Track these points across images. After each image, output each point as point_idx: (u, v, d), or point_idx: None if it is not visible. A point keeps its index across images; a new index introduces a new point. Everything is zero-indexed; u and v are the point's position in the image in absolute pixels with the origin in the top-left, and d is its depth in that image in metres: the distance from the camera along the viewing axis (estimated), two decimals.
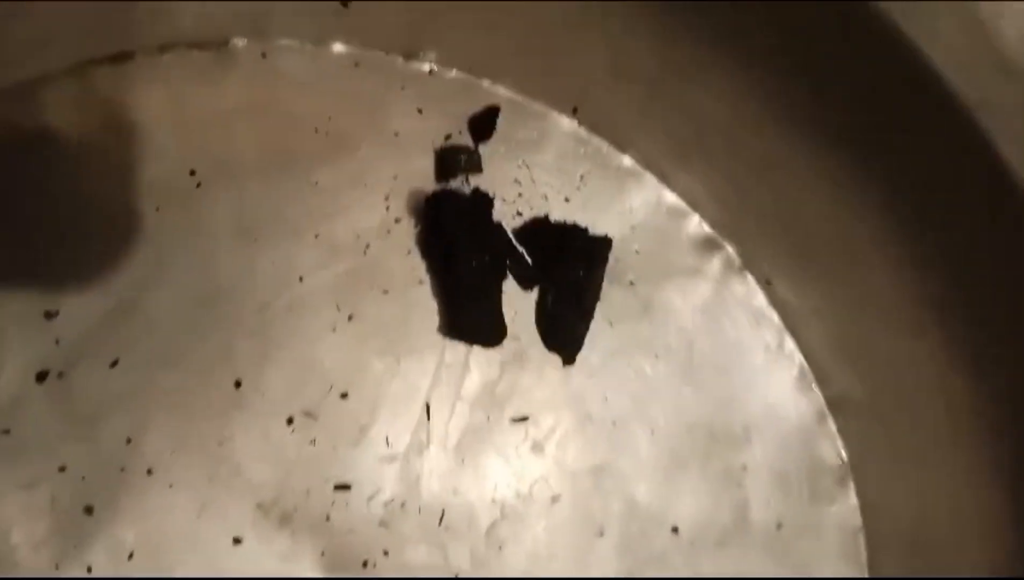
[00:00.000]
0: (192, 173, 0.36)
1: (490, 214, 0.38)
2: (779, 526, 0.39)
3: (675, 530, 0.38)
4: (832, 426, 0.41)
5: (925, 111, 0.34)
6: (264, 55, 0.37)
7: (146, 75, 0.36)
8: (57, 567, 0.32)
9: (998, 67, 0.33)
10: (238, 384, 0.35)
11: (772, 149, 0.39)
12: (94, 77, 0.36)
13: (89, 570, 0.32)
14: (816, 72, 0.37)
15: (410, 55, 0.39)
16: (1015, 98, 0.33)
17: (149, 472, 0.34)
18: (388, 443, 0.36)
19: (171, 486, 0.34)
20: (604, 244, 0.39)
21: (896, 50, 0.34)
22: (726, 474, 0.39)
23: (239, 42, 0.37)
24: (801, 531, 0.40)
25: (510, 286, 0.39)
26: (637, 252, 0.41)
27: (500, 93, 0.40)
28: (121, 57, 0.37)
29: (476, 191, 0.38)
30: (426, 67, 0.39)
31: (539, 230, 0.39)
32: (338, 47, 0.38)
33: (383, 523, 0.35)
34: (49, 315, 0.34)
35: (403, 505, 0.36)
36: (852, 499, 0.40)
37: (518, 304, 0.39)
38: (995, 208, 0.34)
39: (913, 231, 0.37)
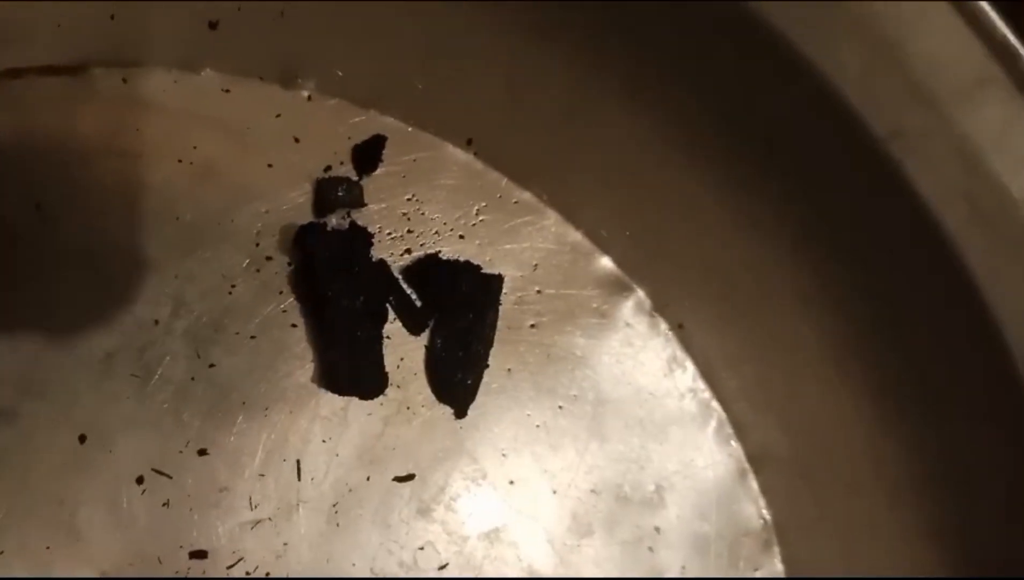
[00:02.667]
0: (39, 207, 0.35)
1: (367, 251, 0.37)
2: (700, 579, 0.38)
3: None
4: (754, 484, 0.39)
5: (837, 144, 0.34)
6: (125, 80, 0.36)
7: None
8: None
9: (907, 94, 0.32)
10: (83, 439, 0.33)
11: (682, 187, 0.39)
12: None
13: None
14: (724, 107, 0.36)
15: (287, 82, 0.38)
16: (925, 125, 0.32)
17: None
18: (252, 505, 0.34)
19: (3, 553, 0.32)
20: (496, 283, 0.38)
21: (805, 81, 0.33)
22: (637, 539, 0.38)
23: (97, 67, 0.36)
24: None
25: (397, 330, 0.38)
26: (539, 293, 0.39)
27: (387, 122, 0.39)
28: None
29: (352, 225, 0.37)
30: (304, 94, 0.38)
31: (429, 269, 0.38)
32: (207, 73, 0.37)
33: None
34: None
35: (268, 575, 0.34)
36: (777, 564, 0.39)
37: (405, 350, 0.38)
38: (911, 242, 0.33)
39: (830, 271, 0.36)
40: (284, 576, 0.34)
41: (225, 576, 0.34)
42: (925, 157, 0.32)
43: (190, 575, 0.33)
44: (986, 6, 0.31)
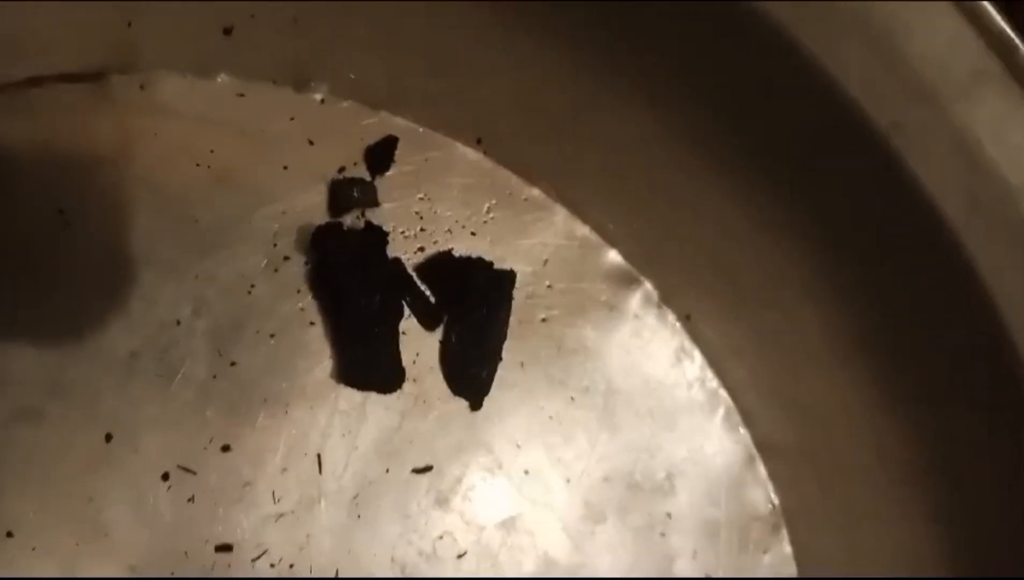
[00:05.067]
0: (61, 212, 0.35)
1: (383, 250, 0.37)
2: (708, 579, 0.38)
3: None
4: (762, 470, 0.40)
5: (839, 138, 0.34)
6: (142, 87, 0.37)
7: (12, 110, 0.35)
8: None
9: (907, 88, 0.33)
10: (108, 438, 0.34)
11: (687, 181, 0.39)
12: None
13: None
14: (728, 102, 0.36)
15: (300, 85, 0.38)
16: (926, 119, 0.32)
17: (9, 535, 0.32)
18: (275, 499, 0.35)
19: (34, 549, 0.32)
20: (508, 279, 0.38)
21: (807, 77, 0.33)
22: (648, 525, 0.38)
23: (115, 74, 0.36)
24: None
25: (412, 326, 0.38)
26: (549, 287, 0.40)
27: (398, 123, 0.39)
28: None
29: (368, 225, 0.37)
30: (318, 97, 0.38)
31: (442, 266, 0.38)
32: (222, 78, 0.38)
33: None
34: None
35: (292, 567, 0.34)
36: (786, 547, 0.39)
37: (420, 345, 0.38)
38: (913, 232, 0.33)
39: (833, 262, 0.37)
40: (308, 567, 0.34)
41: (250, 568, 0.34)
42: (925, 150, 0.32)
43: (216, 568, 0.34)
44: (984, 2, 0.32)
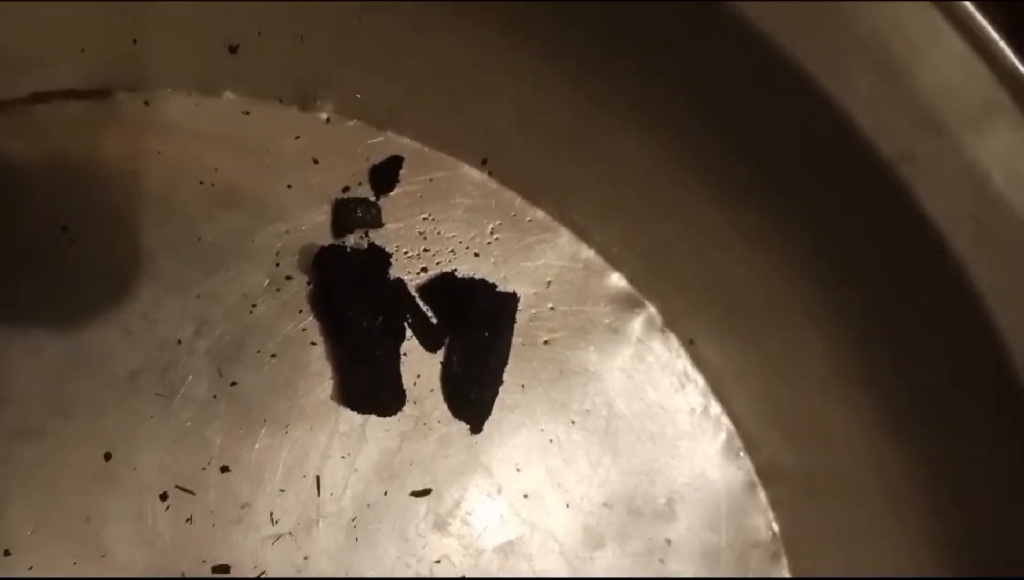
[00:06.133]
0: (64, 229, 0.35)
1: (386, 271, 0.37)
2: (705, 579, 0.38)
3: None
4: (763, 496, 0.39)
5: (846, 166, 0.34)
6: (147, 104, 0.37)
7: (16, 126, 0.35)
8: None
9: (916, 119, 0.32)
10: (108, 457, 0.34)
11: (691, 204, 0.39)
12: None
13: None
14: (733, 127, 0.36)
15: (306, 104, 0.38)
16: (934, 150, 0.32)
17: (7, 553, 0.32)
18: (273, 520, 0.35)
19: (31, 568, 0.32)
20: (511, 301, 0.38)
21: (814, 104, 0.33)
22: (648, 551, 0.38)
23: (120, 91, 0.36)
24: None
25: (414, 348, 0.38)
26: (552, 310, 0.40)
27: (404, 143, 0.39)
28: None
29: (371, 246, 0.37)
30: (323, 116, 0.38)
31: (445, 287, 0.38)
32: (228, 95, 0.37)
33: None
34: None
35: None
36: (785, 575, 0.39)
37: (421, 367, 0.38)
38: (918, 261, 0.33)
39: (837, 288, 0.36)
40: None
41: None
42: (934, 181, 0.32)
43: None
44: (994, 34, 0.31)
